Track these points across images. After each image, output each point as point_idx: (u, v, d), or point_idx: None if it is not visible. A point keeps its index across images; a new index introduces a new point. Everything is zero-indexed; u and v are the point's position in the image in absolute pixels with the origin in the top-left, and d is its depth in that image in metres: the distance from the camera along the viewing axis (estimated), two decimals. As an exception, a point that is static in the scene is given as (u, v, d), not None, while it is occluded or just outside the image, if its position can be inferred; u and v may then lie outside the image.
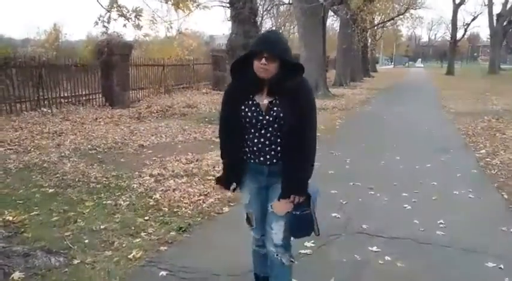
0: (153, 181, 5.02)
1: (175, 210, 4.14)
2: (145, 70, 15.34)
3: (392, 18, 30.20)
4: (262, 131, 2.23)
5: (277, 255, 2.37)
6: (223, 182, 2.46)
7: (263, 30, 39.74)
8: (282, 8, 40.31)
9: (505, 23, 40.02)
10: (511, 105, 13.44)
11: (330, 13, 28.89)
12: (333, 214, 4.03)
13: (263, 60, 2.10)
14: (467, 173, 5.57)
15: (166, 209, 4.17)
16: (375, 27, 33.18)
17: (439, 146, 7.23)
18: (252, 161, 2.30)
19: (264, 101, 2.21)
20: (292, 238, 2.43)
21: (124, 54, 13.11)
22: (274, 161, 2.26)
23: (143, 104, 12.98)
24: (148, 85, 15.56)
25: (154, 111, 11.57)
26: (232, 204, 4.30)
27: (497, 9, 40.25)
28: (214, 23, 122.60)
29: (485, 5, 40.42)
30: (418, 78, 34.26)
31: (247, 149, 2.30)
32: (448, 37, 50.53)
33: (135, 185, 4.87)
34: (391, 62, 72.38)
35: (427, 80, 31.64)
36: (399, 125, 9.97)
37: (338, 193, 4.60)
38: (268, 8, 40.82)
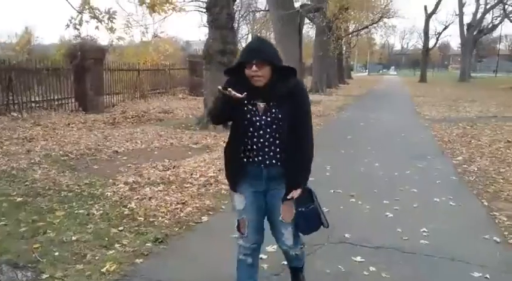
0: (128, 189, 4.83)
1: (151, 220, 3.96)
2: (119, 75, 15.01)
3: (367, 27, 30.63)
4: (261, 132, 2.24)
5: (291, 252, 2.49)
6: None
7: (239, 36, 39.63)
8: (258, 15, 40.51)
9: (475, 33, 41.25)
10: (484, 113, 13.75)
11: (306, 20, 29.12)
12: (315, 223, 3.93)
13: (254, 68, 2.12)
14: (446, 180, 5.58)
15: (142, 218, 3.99)
16: (350, 35, 33.61)
17: (417, 153, 7.27)
18: (250, 159, 2.30)
19: (260, 104, 2.23)
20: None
21: (97, 59, 12.82)
22: (274, 161, 2.27)
23: (118, 109, 12.69)
24: (123, 90, 15.25)
25: (129, 116, 11.31)
26: (211, 213, 4.16)
27: (467, 19, 41.41)
28: (191, 29, 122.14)
29: (456, 15, 41.63)
30: (392, 85, 34.86)
31: (247, 147, 2.29)
32: (420, 46, 51.79)
33: (109, 194, 4.66)
34: (366, 69, 73.55)
35: (401, 87, 32.22)
36: (376, 131, 10.02)
37: (319, 200, 4.53)
38: (245, 15, 40.98)
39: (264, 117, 2.22)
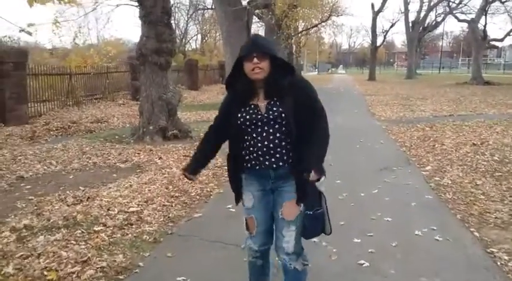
0: (14, 239, 3.53)
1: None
2: (48, 80, 13.32)
3: (316, 25, 30.27)
4: (264, 134, 2.20)
5: (290, 264, 2.32)
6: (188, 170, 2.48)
7: (189, 37, 38.25)
8: (207, 14, 39.25)
9: (420, 30, 42.04)
10: (439, 111, 13.29)
11: (256, 19, 28.30)
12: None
13: (255, 60, 2.12)
14: (422, 201, 4.67)
15: (19, 293, 2.75)
16: (299, 34, 33.13)
17: (380, 164, 6.40)
18: (257, 167, 2.26)
19: (261, 104, 2.21)
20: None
21: (19, 62, 11.14)
22: (281, 164, 2.22)
23: (42, 120, 11.08)
24: (54, 97, 13.59)
25: (54, 128, 9.79)
26: (121, 277, 2.98)
27: (413, 16, 42.05)
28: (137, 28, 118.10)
29: (401, 13, 42.12)
30: (343, 84, 34.59)
31: (250, 156, 2.26)
32: (366, 44, 52.34)
33: (-16, 249, 3.37)
34: (316, 68, 73.86)
35: (351, 85, 31.98)
36: (333, 136, 9.03)
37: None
38: (193, 15, 39.59)
39: (266, 115, 2.19)
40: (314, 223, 2.29)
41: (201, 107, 15.97)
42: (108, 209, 4.25)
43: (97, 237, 3.59)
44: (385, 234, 3.70)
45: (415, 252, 3.37)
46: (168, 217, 4.11)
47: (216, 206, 4.55)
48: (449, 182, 5.41)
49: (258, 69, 2.13)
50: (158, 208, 4.36)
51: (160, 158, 6.66)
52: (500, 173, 5.78)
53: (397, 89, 24.89)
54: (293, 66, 2.26)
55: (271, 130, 2.18)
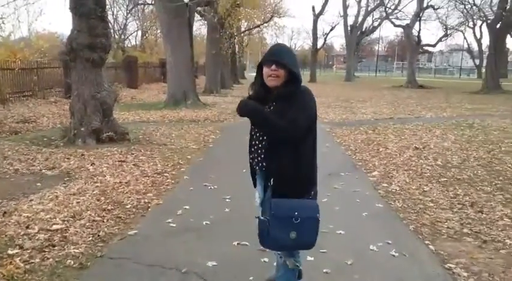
0: None
1: None
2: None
3: (258, 26, 30.23)
4: (260, 137, 2.40)
5: (281, 257, 2.50)
6: None
7: (128, 33, 36.84)
8: (147, 10, 37.93)
9: (358, 34, 43.36)
10: (379, 114, 13.55)
11: (197, 16, 27.75)
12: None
13: (273, 66, 2.26)
14: (373, 210, 4.50)
15: None
16: (242, 34, 32.92)
17: (327, 168, 6.20)
18: (256, 166, 2.51)
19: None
20: None
21: None
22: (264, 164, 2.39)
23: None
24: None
25: (-30, 130, 8.78)
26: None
27: (351, 20, 43.32)
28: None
29: (341, 16, 43.19)
30: (285, 85, 34.76)
31: (255, 155, 2.47)
32: (307, 46, 53.15)
33: None
34: (258, 68, 74.00)
35: (293, 87, 32.18)
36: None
37: (217, 264, 3.11)
38: (132, 10, 38.13)
39: None
40: (261, 227, 2.29)
41: (140, 106, 15.21)
42: (27, 227, 3.66)
43: (10, 263, 3.03)
44: (340, 250, 3.44)
45: (372, 271, 3.13)
46: (98, 236, 3.59)
47: (154, 220, 4.08)
48: (397, 189, 5.31)
49: (274, 76, 2.26)
50: (87, 224, 3.82)
51: (93, 164, 6.04)
52: (445, 179, 5.79)
53: (338, 91, 25.39)
54: (300, 78, 2.34)
55: (260, 132, 2.39)
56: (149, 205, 4.46)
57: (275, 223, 2.21)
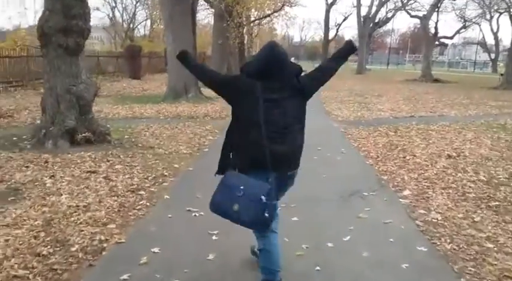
0: None
1: None
2: None
3: (269, 15, 29.01)
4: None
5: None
6: None
7: (137, 22, 35.34)
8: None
9: (371, 25, 41.70)
10: (397, 112, 12.24)
11: (203, 4, 26.50)
12: None
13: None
14: (416, 259, 3.21)
15: None
16: (251, 24, 31.63)
17: (347, 186, 4.98)
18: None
19: None
20: None
21: None
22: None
23: None
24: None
25: None
26: None
27: (364, 11, 41.64)
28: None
29: (354, 7, 41.56)
30: (294, 77, 33.42)
31: None
32: (317, 38, 51.54)
33: None
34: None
35: (303, 79, 30.83)
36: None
37: None
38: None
39: None
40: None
41: (137, 99, 14.04)
42: None
43: None
44: None
45: None
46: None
47: (103, 276, 2.86)
48: (439, 218, 4.07)
49: None
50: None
51: (53, 176, 4.84)
52: (497, 202, 4.53)
53: (350, 84, 23.97)
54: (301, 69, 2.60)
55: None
56: (105, 245, 3.23)
57: (221, 188, 2.47)
